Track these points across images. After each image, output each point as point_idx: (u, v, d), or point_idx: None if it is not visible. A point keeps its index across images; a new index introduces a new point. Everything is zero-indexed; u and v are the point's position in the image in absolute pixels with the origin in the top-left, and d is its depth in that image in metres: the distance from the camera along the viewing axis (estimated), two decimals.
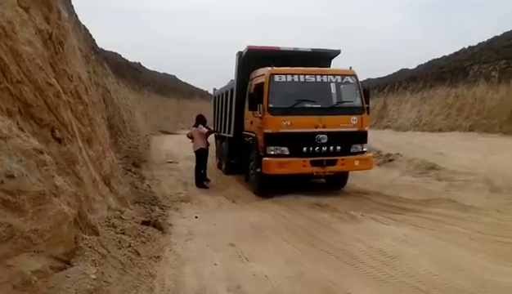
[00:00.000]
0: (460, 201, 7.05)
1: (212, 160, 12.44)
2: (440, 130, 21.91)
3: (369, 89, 9.00)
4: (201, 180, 9.71)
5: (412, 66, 31.47)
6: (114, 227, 4.44)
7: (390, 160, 12.24)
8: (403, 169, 11.05)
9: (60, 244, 2.99)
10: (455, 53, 25.88)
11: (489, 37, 22.98)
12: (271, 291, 3.58)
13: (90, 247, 3.35)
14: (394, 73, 33.52)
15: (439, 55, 28.11)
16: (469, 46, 24.72)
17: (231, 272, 4.02)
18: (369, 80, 33.03)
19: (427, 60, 29.43)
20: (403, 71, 32.49)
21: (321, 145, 7.90)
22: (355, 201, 7.69)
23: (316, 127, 7.86)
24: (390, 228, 5.63)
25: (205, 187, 9.51)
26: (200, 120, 10.16)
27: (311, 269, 4.07)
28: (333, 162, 7.95)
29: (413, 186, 9.06)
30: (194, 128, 10.12)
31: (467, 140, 16.52)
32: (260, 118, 7.95)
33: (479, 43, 23.70)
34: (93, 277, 3.02)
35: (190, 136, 10.17)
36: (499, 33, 22.30)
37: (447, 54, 27.01)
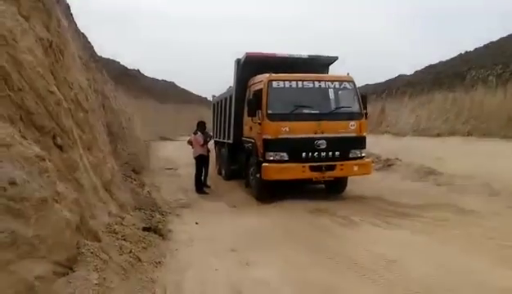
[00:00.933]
0: (460, 205, 7.07)
1: (212, 166, 12.47)
2: (438, 134, 21.98)
3: (366, 95, 9.07)
4: (201, 185, 9.73)
5: (409, 72, 31.72)
6: (115, 233, 4.45)
7: (389, 165, 12.28)
8: (402, 174, 11.09)
9: (62, 250, 3.01)
10: (452, 59, 26.08)
11: (485, 43, 23.24)
12: None
13: (92, 253, 3.36)
14: (392, 79, 33.69)
15: (436, 61, 28.36)
16: (466, 52, 24.94)
17: (233, 277, 4.03)
18: (367, 86, 33.20)
19: (424, 66, 29.70)
20: (401, 77, 32.65)
21: (319, 151, 7.93)
22: (354, 206, 7.70)
23: (315, 133, 7.90)
24: (389, 232, 5.65)
25: (205, 193, 9.52)
26: (200, 126, 10.21)
27: (311, 274, 4.09)
28: (332, 168, 7.98)
29: (412, 191, 9.08)
30: (193, 135, 10.16)
31: (465, 145, 16.60)
32: (259, 123, 7.99)
33: (475, 49, 23.90)
34: (95, 282, 3.04)
35: (190, 143, 10.21)
36: (495, 39, 22.54)
37: (444, 59, 27.26)
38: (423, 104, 25.79)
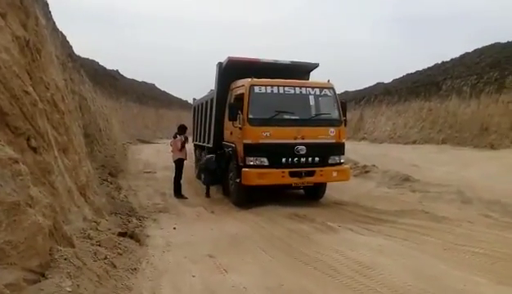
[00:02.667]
0: (434, 212, 7.25)
1: (191, 170, 12.38)
2: (414, 142, 22.54)
3: (346, 102, 9.22)
4: (180, 190, 9.62)
5: (387, 80, 32.44)
6: (90, 238, 4.35)
7: (366, 171, 12.47)
8: (379, 180, 11.28)
9: (34, 256, 2.92)
10: (429, 68, 26.83)
11: (461, 53, 24.03)
12: None
13: (65, 259, 3.27)
14: (370, 87, 34.39)
15: (413, 70, 29.12)
16: (442, 62, 25.71)
17: (210, 284, 4.00)
18: (346, 93, 33.77)
19: (401, 75, 30.44)
20: (379, 84, 33.39)
21: (299, 156, 7.99)
22: (332, 212, 7.79)
23: (295, 139, 7.96)
24: (366, 238, 5.73)
25: (184, 197, 9.43)
26: (181, 130, 10.10)
27: (289, 280, 4.10)
28: (311, 173, 8.05)
29: (388, 197, 9.25)
30: (173, 139, 10.06)
31: (440, 153, 17.06)
32: (240, 128, 7.99)
33: (452, 59, 24.68)
34: (68, 289, 2.95)
35: (171, 146, 10.11)
36: (470, 50, 23.35)
37: (421, 69, 28.02)
38: (399, 113, 26.43)
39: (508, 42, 20.35)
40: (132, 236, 5.17)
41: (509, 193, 8.07)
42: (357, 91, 35.92)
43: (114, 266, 3.95)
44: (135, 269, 4.19)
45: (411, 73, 28.83)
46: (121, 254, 4.39)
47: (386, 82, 32.50)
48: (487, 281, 3.98)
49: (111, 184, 9.37)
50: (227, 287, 3.91)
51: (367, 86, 35.11)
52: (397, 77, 30.80)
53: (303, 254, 5.02)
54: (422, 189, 9.48)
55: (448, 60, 25.09)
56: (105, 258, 3.99)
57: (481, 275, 4.13)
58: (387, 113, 28.19)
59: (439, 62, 26.07)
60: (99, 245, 4.26)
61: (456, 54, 24.75)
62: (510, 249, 4.94)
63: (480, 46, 22.44)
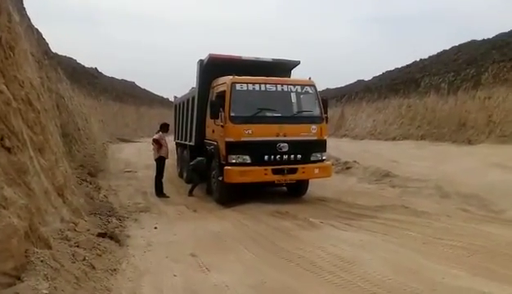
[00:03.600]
0: (413, 207, 7.39)
1: (173, 169, 12.26)
2: (394, 138, 22.93)
3: (327, 99, 9.27)
4: (161, 189, 9.51)
5: (368, 77, 32.85)
6: (68, 240, 4.25)
7: (348, 168, 12.63)
8: (360, 176, 11.43)
9: (9, 259, 2.84)
10: (408, 65, 27.30)
11: (439, 51, 24.52)
12: None
13: (42, 261, 3.19)
14: (351, 84, 34.77)
15: (392, 68, 29.56)
16: (421, 59, 26.19)
17: (191, 283, 3.97)
18: (327, 90, 34.04)
19: (381, 72, 30.86)
20: (359, 82, 33.79)
21: (281, 154, 8.01)
22: (315, 208, 7.85)
23: (277, 136, 7.98)
24: (347, 234, 5.80)
25: (166, 196, 9.32)
26: (163, 128, 9.97)
27: (271, 277, 4.11)
28: (293, 171, 8.09)
29: (369, 193, 9.39)
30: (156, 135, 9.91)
31: (419, 149, 17.40)
32: (222, 126, 7.95)
33: (430, 56, 25.16)
34: (45, 292, 2.88)
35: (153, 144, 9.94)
36: (448, 47, 23.84)
37: (400, 66, 28.47)
38: (379, 110, 26.85)
39: (484, 39, 20.87)
40: (111, 236, 5.07)
41: (485, 187, 8.30)
42: (338, 88, 36.25)
43: (93, 267, 3.87)
44: (115, 269, 4.12)
45: (391, 71, 29.27)
46: (100, 255, 4.30)
47: (366, 79, 32.94)
48: (464, 273, 4.08)
49: (90, 184, 9.18)
50: (209, 286, 3.89)
51: (348, 83, 35.53)
52: (377, 74, 31.28)
53: (286, 251, 5.04)
54: (402, 185, 9.66)
55: (426, 57, 25.58)
56: (84, 259, 3.90)
57: (458, 268, 4.23)
58: (367, 110, 28.59)
59: (418, 59, 26.56)
60: (77, 246, 4.17)
61: (434, 51, 25.25)
62: (486, 242, 5.08)
63: (457, 44, 22.95)
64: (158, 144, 9.57)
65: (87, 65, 30.18)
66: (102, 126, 24.54)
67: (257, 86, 8.24)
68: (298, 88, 8.66)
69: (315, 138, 8.36)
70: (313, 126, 8.34)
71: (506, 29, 19.31)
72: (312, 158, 8.35)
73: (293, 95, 8.69)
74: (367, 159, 13.44)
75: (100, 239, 4.78)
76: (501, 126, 16.17)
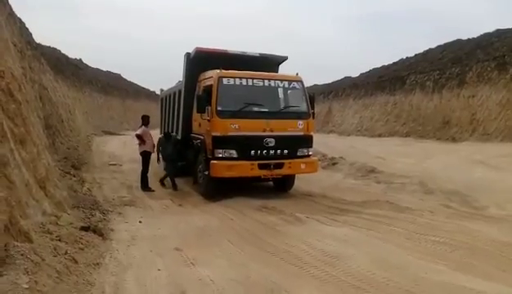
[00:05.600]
0: (397, 202, 7.49)
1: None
2: (380, 135, 23.18)
3: (314, 95, 9.29)
4: (147, 183, 9.40)
5: (355, 74, 33.06)
6: (50, 233, 4.18)
7: (334, 163, 12.71)
8: (346, 172, 11.52)
9: None
10: (394, 63, 27.56)
11: (425, 49, 24.80)
12: None
13: (22, 255, 3.13)
14: (338, 81, 34.95)
15: (379, 65, 29.81)
16: (407, 57, 26.47)
17: (176, 277, 3.94)
18: (315, 86, 34.16)
19: (368, 69, 31.11)
20: (347, 78, 34.00)
21: (268, 149, 8.00)
22: (301, 203, 7.88)
23: (264, 131, 7.96)
24: (332, 229, 5.84)
25: (151, 190, 9.23)
26: (144, 120, 9.82)
27: (256, 272, 4.11)
28: (280, 166, 8.09)
29: (354, 188, 9.47)
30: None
31: (404, 145, 17.64)
32: (208, 120, 7.89)
33: (416, 54, 25.44)
34: (25, 286, 2.82)
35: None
36: (433, 46, 24.14)
37: (386, 63, 28.73)
38: (366, 106, 27.07)
39: (469, 39, 21.19)
40: (95, 230, 5.00)
41: (468, 183, 8.46)
42: (325, 84, 36.43)
43: (76, 261, 3.81)
44: (97, 264, 4.06)
45: (378, 68, 29.52)
46: (83, 249, 4.24)
47: (354, 76, 33.15)
48: (446, 268, 4.16)
49: (74, 176, 9.03)
50: (194, 280, 3.87)
51: (335, 79, 35.68)
52: (364, 71, 31.50)
53: (271, 245, 5.05)
54: (387, 181, 9.77)
55: (412, 55, 25.85)
56: (66, 253, 3.84)
57: (441, 263, 4.31)
58: (354, 106, 28.80)
59: (404, 57, 26.84)
60: (59, 240, 4.10)
61: (420, 50, 25.53)
62: (468, 238, 5.18)
63: (443, 43, 23.25)
64: (140, 139, 9.44)
65: (71, 56, 29.60)
66: (87, 119, 24.13)
67: (244, 81, 8.19)
68: (286, 83, 8.65)
69: (302, 133, 8.37)
70: (300, 122, 8.34)
71: (491, 29, 19.68)
72: (299, 154, 8.37)
73: (280, 91, 8.68)
74: (353, 155, 13.55)
75: (83, 233, 4.71)
76: (484, 124, 16.50)
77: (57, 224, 4.57)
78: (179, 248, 4.87)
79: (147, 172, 9.50)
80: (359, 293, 3.62)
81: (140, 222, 6.28)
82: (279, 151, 8.11)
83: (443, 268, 4.17)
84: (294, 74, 8.91)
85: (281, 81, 8.65)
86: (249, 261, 4.48)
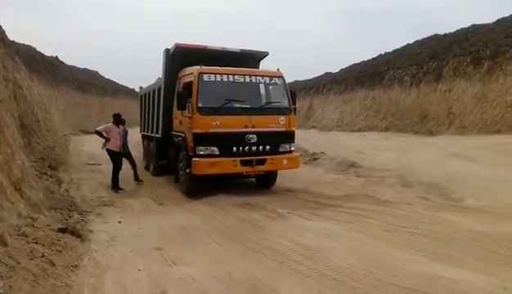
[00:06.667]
0: (376, 196, 7.60)
1: (139, 162, 11.96)
2: (360, 130, 23.50)
3: (295, 90, 9.30)
4: (116, 183, 9.18)
5: (335, 70, 33.35)
6: (26, 236, 4.06)
7: (315, 159, 12.80)
8: (327, 167, 11.62)
9: None
10: (373, 59, 27.94)
11: (402, 45, 25.23)
12: (198, 293, 3.55)
13: None
14: (319, 76, 35.18)
15: (358, 60, 30.15)
16: (385, 53, 26.86)
17: (157, 277, 3.90)
18: (296, 82, 34.29)
19: (348, 65, 31.41)
20: (327, 74, 34.24)
21: (250, 145, 7.99)
22: (283, 199, 7.91)
23: (246, 127, 7.93)
24: (313, 223, 5.89)
25: (121, 189, 9.05)
26: (115, 119, 9.62)
27: (238, 269, 4.11)
28: (262, 162, 8.09)
29: (335, 183, 9.56)
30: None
31: (383, 140, 17.92)
32: (189, 117, 7.82)
33: (394, 50, 25.85)
34: (0, 291, 2.74)
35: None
36: (411, 41, 24.58)
37: (366, 59, 29.09)
38: (346, 101, 27.39)
39: (445, 34, 21.65)
40: (73, 232, 4.89)
41: (445, 176, 8.66)
42: (306, 80, 36.59)
43: (53, 264, 3.71)
44: (76, 266, 3.97)
45: (357, 64, 29.85)
46: (60, 251, 4.13)
47: (334, 71, 33.42)
48: (423, 259, 4.24)
49: (51, 177, 8.82)
50: (175, 279, 3.83)
51: (316, 75, 35.91)
52: (345, 67, 31.80)
53: (253, 242, 5.06)
54: (366, 174, 9.90)
55: (391, 50, 26.25)
56: (43, 256, 3.74)
57: (419, 254, 4.40)
58: (335, 102, 29.08)
59: (383, 53, 27.21)
60: (35, 242, 3.99)
61: (399, 45, 25.96)
62: (445, 229, 5.31)
63: (420, 38, 23.67)
64: (101, 136, 9.24)
65: (47, 54, 28.83)
66: (63, 118, 23.61)
67: (225, 77, 8.14)
68: (267, 79, 8.64)
69: (283, 129, 8.39)
70: (282, 118, 8.35)
71: (466, 24, 20.16)
72: (281, 149, 8.38)
73: (261, 87, 8.67)
74: (334, 150, 13.67)
75: (60, 235, 4.60)
76: (460, 117, 16.93)
77: (33, 226, 4.45)
78: (160, 248, 4.82)
79: (118, 172, 9.28)
80: (339, 286, 3.66)
81: (119, 222, 6.18)
82: (261, 147, 8.10)
83: (421, 259, 4.26)
84: (275, 70, 8.91)
85: (262, 77, 8.63)
86: (231, 258, 4.48)
